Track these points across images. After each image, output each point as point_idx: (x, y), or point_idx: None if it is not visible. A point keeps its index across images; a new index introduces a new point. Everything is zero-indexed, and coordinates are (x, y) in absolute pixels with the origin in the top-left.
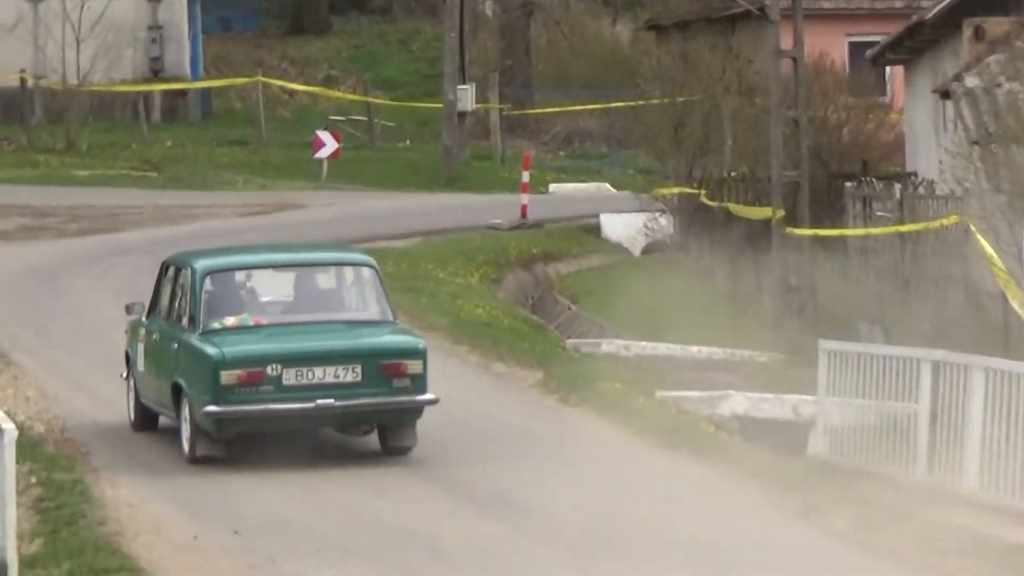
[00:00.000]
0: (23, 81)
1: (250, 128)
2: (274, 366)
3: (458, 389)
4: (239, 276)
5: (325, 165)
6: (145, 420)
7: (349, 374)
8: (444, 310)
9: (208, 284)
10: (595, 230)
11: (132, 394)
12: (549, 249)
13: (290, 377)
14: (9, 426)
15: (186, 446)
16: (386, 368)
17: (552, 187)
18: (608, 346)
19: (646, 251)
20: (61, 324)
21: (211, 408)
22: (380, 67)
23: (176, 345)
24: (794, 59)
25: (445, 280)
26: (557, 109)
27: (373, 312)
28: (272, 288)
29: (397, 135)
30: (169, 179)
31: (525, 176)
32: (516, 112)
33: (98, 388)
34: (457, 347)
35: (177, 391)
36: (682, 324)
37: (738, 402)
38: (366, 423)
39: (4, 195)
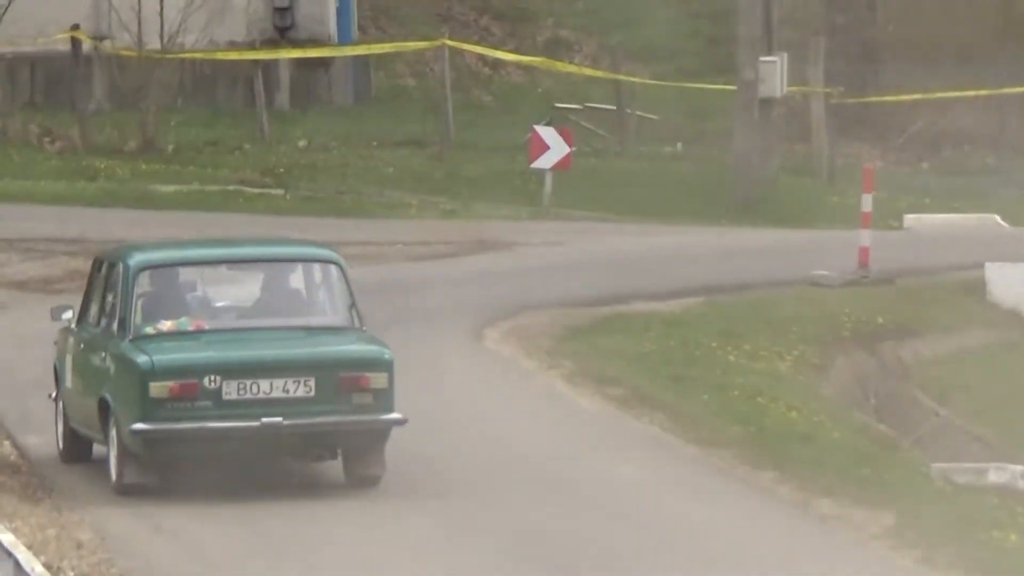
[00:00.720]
0: (76, 44)
1: (430, 121)
2: (212, 378)
3: (758, 540)
4: (179, 273)
5: (549, 180)
6: (75, 449)
7: (300, 388)
8: (737, 414)
9: (142, 282)
10: (977, 289)
11: (61, 417)
12: (903, 318)
13: (231, 391)
14: None
15: (113, 473)
16: (344, 381)
17: (909, 219)
18: (998, 474)
19: None
20: None
21: (139, 426)
22: (636, 27)
23: (103, 354)
24: None
25: (739, 366)
26: (917, 96)
27: (337, 317)
28: (219, 288)
29: (663, 134)
30: (302, 200)
31: (866, 202)
32: (852, 100)
33: (185, 526)
34: (758, 474)
35: (105, 409)
36: None
37: None
38: (321, 446)
39: (45, 221)
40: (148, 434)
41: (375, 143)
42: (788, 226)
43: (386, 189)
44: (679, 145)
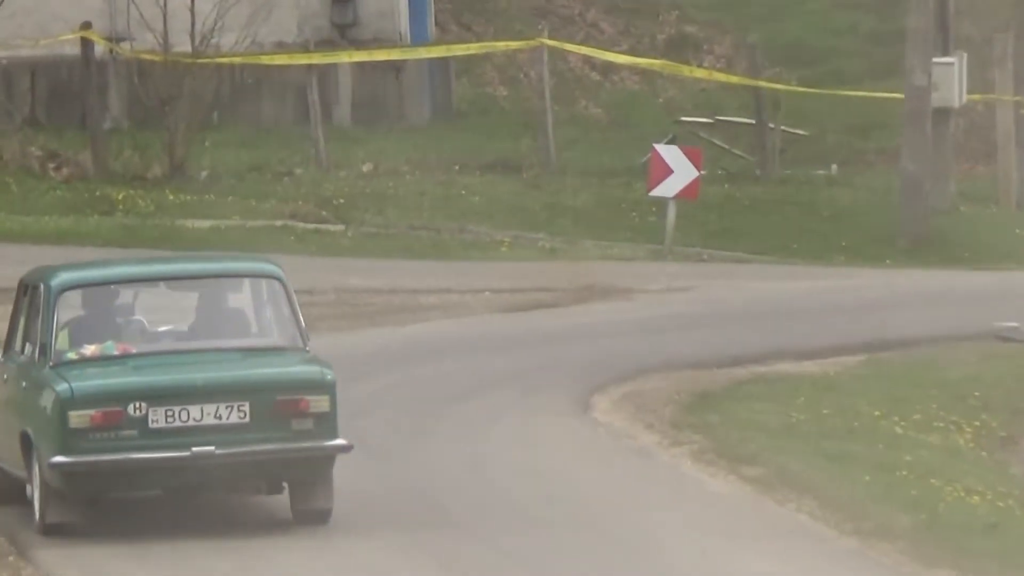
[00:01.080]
0: (87, 46)
1: (525, 139)
2: (137, 404)
3: None
4: (103, 293)
5: (672, 211)
6: (5, 489)
7: (234, 414)
8: (905, 498)
9: (64, 304)
10: None
11: None
12: None
13: (158, 418)
14: None
15: (37, 513)
16: (281, 406)
17: None
18: None
19: None
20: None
21: (58, 459)
22: (779, 21)
23: (24, 384)
24: None
25: (905, 439)
26: None
27: (278, 336)
28: (149, 308)
29: (814, 154)
30: (367, 237)
31: None
32: None
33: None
34: (931, 572)
35: (27, 443)
36: None
37: None
38: (259, 477)
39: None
40: (68, 467)
41: (457, 167)
42: (968, 267)
43: (471, 223)
44: (834, 167)
